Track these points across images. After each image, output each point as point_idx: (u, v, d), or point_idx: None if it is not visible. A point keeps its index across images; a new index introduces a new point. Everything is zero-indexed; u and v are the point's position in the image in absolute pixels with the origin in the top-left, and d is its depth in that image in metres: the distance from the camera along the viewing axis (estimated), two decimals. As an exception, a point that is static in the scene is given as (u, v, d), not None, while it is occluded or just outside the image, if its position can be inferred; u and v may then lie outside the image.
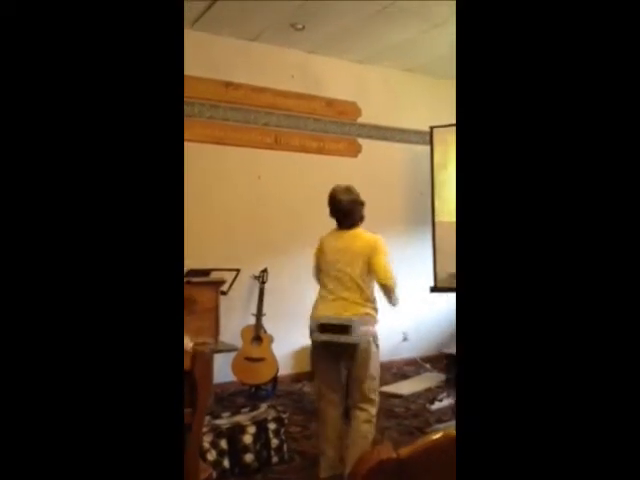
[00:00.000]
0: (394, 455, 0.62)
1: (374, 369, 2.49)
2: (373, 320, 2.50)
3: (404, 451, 0.64)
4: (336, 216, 2.59)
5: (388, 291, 2.49)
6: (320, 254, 2.62)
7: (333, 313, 2.46)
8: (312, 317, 2.54)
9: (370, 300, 2.51)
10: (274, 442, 2.83)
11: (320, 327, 2.47)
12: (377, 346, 2.51)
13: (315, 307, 2.57)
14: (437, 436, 0.67)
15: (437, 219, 4.75)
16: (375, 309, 2.53)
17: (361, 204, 2.59)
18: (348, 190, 2.58)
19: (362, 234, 2.56)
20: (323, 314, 2.49)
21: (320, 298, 2.57)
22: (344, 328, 2.41)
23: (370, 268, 2.48)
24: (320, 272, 2.61)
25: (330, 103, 4.74)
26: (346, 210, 2.54)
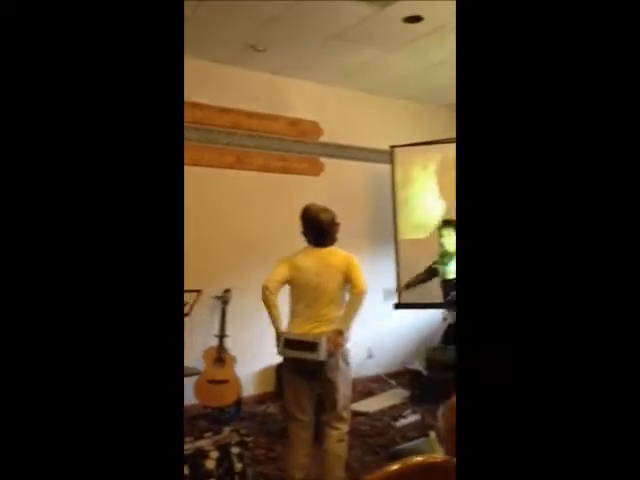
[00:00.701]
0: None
1: (345, 387, 2.50)
2: (345, 339, 2.51)
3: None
4: (313, 234, 2.59)
5: (360, 301, 2.51)
6: (295, 271, 2.58)
7: (304, 330, 2.47)
8: (283, 332, 2.52)
9: (335, 317, 2.52)
10: (238, 466, 2.77)
11: (286, 343, 2.46)
12: (347, 363, 2.52)
13: (290, 322, 2.57)
14: (394, 467, 0.67)
15: (399, 237, 4.82)
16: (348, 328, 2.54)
17: (337, 224, 2.64)
18: (326, 210, 2.61)
19: (337, 251, 2.61)
20: (294, 330, 2.49)
21: (295, 314, 2.57)
22: (311, 345, 2.40)
23: (348, 279, 2.52)
24: (295, 288, 2.59)
25: (293, 123, 4.78)
26: (326, 229, 2.58)
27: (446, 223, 3.92)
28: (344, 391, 2.48)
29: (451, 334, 3.71)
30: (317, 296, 2.51)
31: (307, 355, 2.40)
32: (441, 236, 3.93)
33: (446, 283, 3.91)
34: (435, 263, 4.01)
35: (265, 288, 2.49)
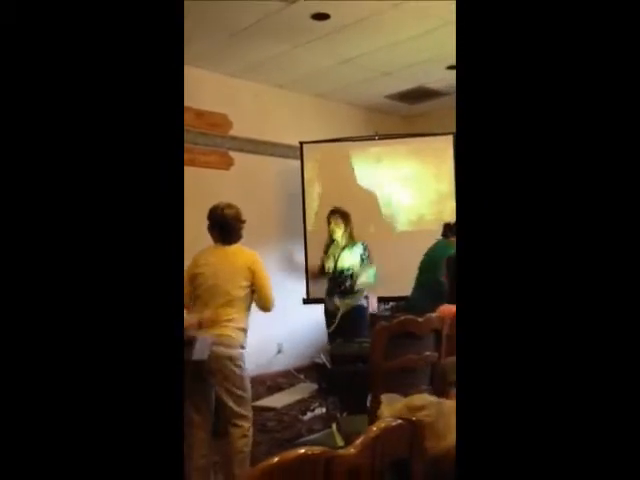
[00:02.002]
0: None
1: (239, 387, 2.46)
2: (235, 342, 2.46)
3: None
4: (216, 231, 2.55)
5: (266, 302, 2.51)
6: (195, 269, 2.53)
7: (213, 331, 2.40)
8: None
9: (239, 320, 2.49)
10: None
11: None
12: (239, 366, 2.46)
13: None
14: (272, 461, 0.68)
15: (309, 232, 4.87)
16: (241, 330, 2.50)
17: (242, 221, 2.59)
18: (230, 206, 2.57)
19: (241, 250, 2.55)
20: (209, 332, 2.41)
21: (192, 314, 2.50)
22: (186, 344, 2.31)
23: (254, 288, 2.49)
24: (195, 288, 2.53)
25: (200, 114, 4.66)
26: (229, 226, 2.53)
27: (333, 212, 3.97)
28: (237, 392, 2.44)
29: (343, 326, 3.79)
30: (213, 296, 2.47)
31: (186, 355, 2.31)
32: (328, 224, 3.99)
33: (336, 275, 3.96)
34: (327, 255, 4.03)
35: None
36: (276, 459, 0.69)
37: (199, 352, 2.32)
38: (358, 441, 0.75)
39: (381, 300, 4.68)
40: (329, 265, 3.96)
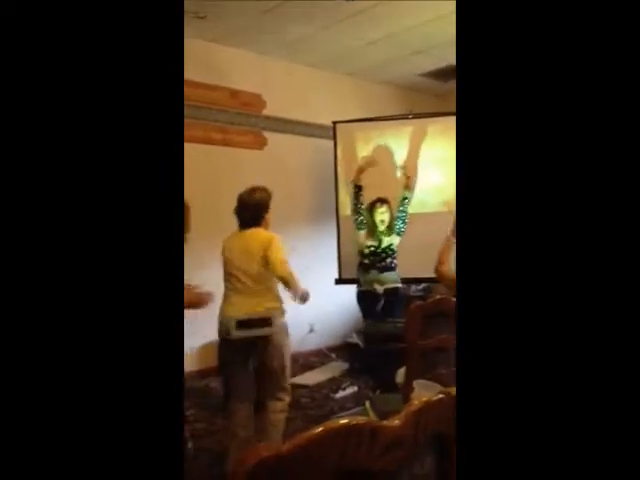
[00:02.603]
0: (274, 452, 0.64)
1: (288, 358, 2.56)
2: (281, 311, 2.56)
3: (285, 447, 0.66)
4: (238, 215, 2.62)
5: (286, 284, 2.53)
6: (224, 253, 2.63)
7: (248, 309, 2.48)
8: (225, 315, 2.53)
9: (273, 292, 2.56)
10: (177, 441, 2.77)
11: (238, 324, 2.48)
12: (277, 340, 2.55)
13: (228, 304, 2.56)
14: (316, 430, 0.69)
15: (341, 213, 4.86)
16: (274, 308, 2.56)
17: (265, 208, 2.61)
18: (254, 190, 2.62)
19: (258, 234, 2.59)
20: (238, 310, 2.49)
21: (228, 296, 2.58)
22: (264, 321, 2.45)
23: (267, 263, 2.52)
24: (225, 272, 2.62)
25: (234, 94, 4.68)
26: (248, 210, 2.58)
27: (379, 201, 3.98)
28: (286, 363, 2.53)
29: (387, 307, 3.79)
30: (236, 280, 2.55)
31: (260, 332, 2.43)
32: (372, 210, 4.00)
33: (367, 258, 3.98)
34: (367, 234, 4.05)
35: None
36: (321, 427, 0.70)
37: (277, 326, 2.41)
38: (402, 413, 0.76)
39: (414, 281, 4.66)
40: (372, 243, 3.97)
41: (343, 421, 0.72)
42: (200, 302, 2.29)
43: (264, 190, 2.64)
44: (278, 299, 2.57)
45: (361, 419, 0.74)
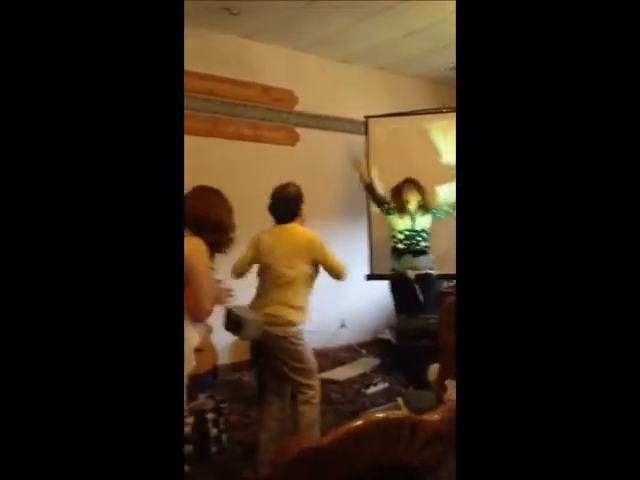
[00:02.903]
0: (314, 444, 0.65)
1: (298, 360, 2.53)
2: (288, 321, 2.52)
3: (325, 439, 0.67)
4: (273, 210, 2.61)
5: (339, 277, 2.60)
6: (258, 251, 2.62)
7: (268, 311, 2.49)
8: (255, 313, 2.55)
9: (294, 299, 2.53)
10: (213, 432, 2.82)
11: (227, 320, 2.48)
12: (294, 343, 2.52)
13: (254, 299, 2.59)
14: (357, 423, 0.70)
15: (372, 208, 4.84)
16: (298, 309, 2.55)
17: (300, 200, 2.61)
18: (289, 185, 2.62)
19: (299, 231, 2.58)
20: (262, 310, 2.51)
21: (256, 293, 2.61)
22: (236, 324, 2.43)
23: (319, 263, 2.55)
24: (259, 268, 2.64)
25: (267, 90, 4.70)
26: (285, 204, 2.57)
27: (408, 182, 3.94)
28: (297, 365, 2.52)
29: (420, 298, 3.75)
30: (270, 277, 2.55)
31: (236, 333, 2.42)
32: (401, 193, 3.97)
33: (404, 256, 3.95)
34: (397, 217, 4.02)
35: (232, 273, 2.63)
36: (361, 421, 0.71)
37: (249, 333, 2.40)
38: (441, 408, 0.76)
39: (449, 277, 4.61)
40: (406, 225, 3.94)
41: (383, 415, 0.73)
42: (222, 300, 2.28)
43: (296, 185, 2.65)
44: (297, 303, 2.54)
45: (400, 413, 0.75)
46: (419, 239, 3.92)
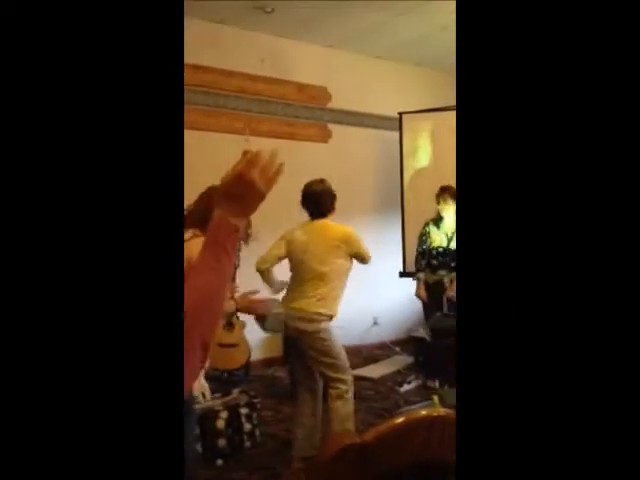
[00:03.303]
0: (357, 440, 0.65)
1: (327, 355, 2.55)
2: (317, 316, 2.54)
3: (368, 435, 0.67)
4: (306, 206, 2.63)
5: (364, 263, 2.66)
6: (290, 246, 2.64)
7: (297, 305, 2.52)
8: (284, 305, 2.58)
9: (326, 295, 2.55)
10: (246, 426, 2.86)
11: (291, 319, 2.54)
12: (323, 338, 2.54)
13: (288, 296, 2.62)
14: (399, 420, 0.69)
15: (406, 206, 4.81)
16: (329, 304, 2.56)
17: (332, 195, 2.62)
18: (320, 180, 2.64)
19: (333, 226, 2.60)
20: (292, 306, 2.54)
21: (288, 289, 2.64)
22: (259, 318, 2.50)
23: (354, 255, 2.59)
24: (290, 264, 2.66)
25: (300, 88, 4.72)
26: (317, 199, 2.58)
27: (443, 190, 3.84)
28: (327, 360, 2.54)
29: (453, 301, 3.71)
30: (302, 272, 2.57)
31: (260, 326, 2.49)
32: (437, 203, 3.86)
33: (430, 250, 3.88)
34: (426, 226, 3.95)
35: (257, 269, 2.64)
36: (403, 418, 0.70)
37: (269, 325, 2.42)
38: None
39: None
40: (440, 240, 3.87)
41: (425, 412, 0.72)
42: (253, 310, 2.30)
43: (325, 181, 2.66)
44: (321, 306, 2.54)
45: (442, 411, 0.74)
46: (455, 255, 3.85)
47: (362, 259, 2.63)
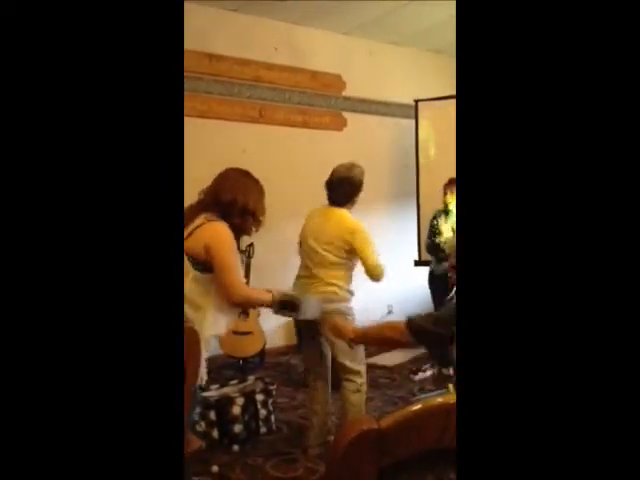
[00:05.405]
0: (375, 426, 0.66)
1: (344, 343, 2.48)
2: (341, 297, 2.48)
3: (385, 422, 0.67)
4: (327, 191, 2.55)
5: (373, 278, 2.49)
6: (302, 230, 2.62)
7: (304, 291, 2.45)
8: (280, 294, 2.54)
9: (340, 282, 2.49)
10: (262, 413, 2.89)
11: (279, 303, 2.44)
12: (348, 320, 2.46)
13: (293, 283, 2.61)
14: (416, 407, 0.70)
15: (422, 194, 4.78)
16: (344, 290, 2.50)
17: (355, 185, 2.51)
18: (353, 166, 2.52)
19: (344, 218, 2.50)
20: (295, 290, 2.50)
21: (297, 274, 2.61)
22: (293, 305, 2.30)
23: (355, 253, 2.47)
24: (300, 248, 2.63)
25: (315, 76, 4.69)
26: (334, 185, 2.51)
27: (451, 182, 3.78)
28: (343, 348, 2.42)
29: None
30: (309, 256, 2.52)
31: (293, 315, 2.27)
32: (444, 194, 3.81)
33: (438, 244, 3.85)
34: (434, 219, 3.90)
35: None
36: (420, 405, 0.71)
37: (308, 312, 2.35)
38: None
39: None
40: (447, 231, 3.82)
41: (441, 400, 0.73)
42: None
43: (361, 168, 2.54)
44: (336, 286, 2.47)
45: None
46: None
47: (365, 265, 2.46)
